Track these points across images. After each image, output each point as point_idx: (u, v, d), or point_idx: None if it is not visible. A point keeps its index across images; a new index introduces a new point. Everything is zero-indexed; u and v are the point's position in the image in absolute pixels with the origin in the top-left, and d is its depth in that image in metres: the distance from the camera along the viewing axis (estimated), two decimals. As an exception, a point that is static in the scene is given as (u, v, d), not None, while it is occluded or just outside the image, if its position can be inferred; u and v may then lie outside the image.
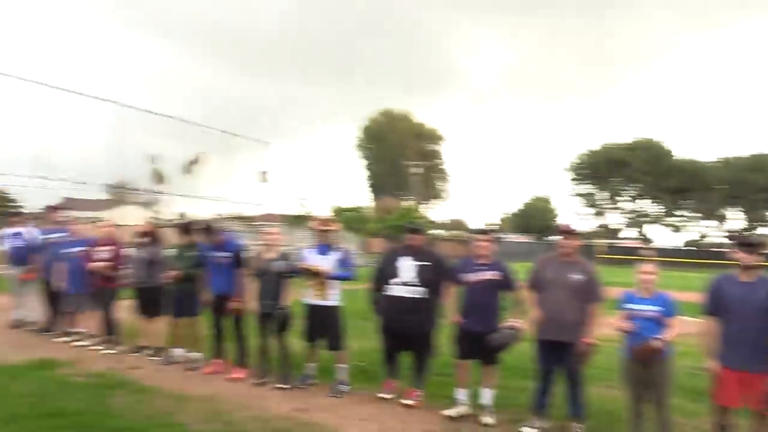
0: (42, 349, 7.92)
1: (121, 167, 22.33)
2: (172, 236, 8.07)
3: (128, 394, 6.10)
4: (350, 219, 38.91)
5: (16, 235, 9.25)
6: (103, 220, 8.61)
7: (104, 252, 8.15)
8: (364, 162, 69.72)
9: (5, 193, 45.58)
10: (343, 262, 6.73)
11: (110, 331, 8.18)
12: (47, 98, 19.85)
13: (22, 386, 6.09)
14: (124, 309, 8.50)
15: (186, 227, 7.90)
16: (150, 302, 7.78)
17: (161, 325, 7.88)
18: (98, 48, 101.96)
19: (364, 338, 7.75)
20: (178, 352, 7.61)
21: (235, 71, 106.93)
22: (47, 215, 9.51)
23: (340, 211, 40.70)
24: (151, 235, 7.94)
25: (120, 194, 27.76)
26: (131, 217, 27.13)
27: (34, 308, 9.30)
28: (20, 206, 27.85)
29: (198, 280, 7.34)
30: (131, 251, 8.10)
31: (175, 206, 28.49)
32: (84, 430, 5.00)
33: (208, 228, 7.41)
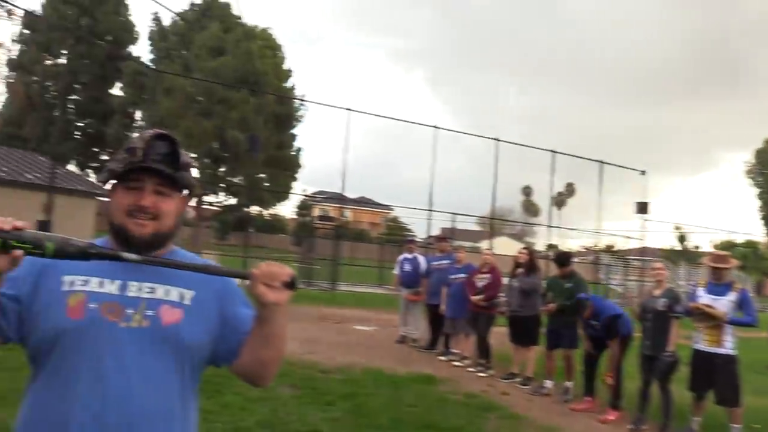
0: (423, 364, 8.58)
1: (496, 199, 23.44)
2: (548, 267, 8.02)
3: (499, 419, 6.14)
4: (743, 255, 34.02)
5: (408, 260, 10.30)
6: (487, 250, 9.00)
7: (484, 280, 8.48)
8: (757, 190, 60.70)
9: (401, 223, 52.30)
10: (742, 305, 5.74)
11: (484, 355, 8.44)
12: (433, 137, 22.05)
13: (405, 396, 6.62)
14: (499, 335, 8.72)
15: (562, 259, 7.73)
16: (523, 331, 7.82)
17: (533, 354, 7.85)
18: (480, 91, 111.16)
19: (761, 396, 6.48)
20: (549, 384, 7.45)
21: (610, 102, 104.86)
22: (436, 244, 10.35)
23: (730, 246, 35.97)
24: (527, 266, 7.96)
25: (494, 225, 29.30)
26: (504, 248, 28.29)
27: (418, 327, 10.21)
28: (413, 234, 31.42)
29: (575, 313, 7.07)
30: (508, 280, 8.27)
31: (547, 238, 28.75)
32: (457, 448, 5.14)
33: (579, 303, 7.01)
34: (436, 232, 26.56)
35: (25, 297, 1.46)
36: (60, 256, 1.30)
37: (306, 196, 47.89)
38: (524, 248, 8.35)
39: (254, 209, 47.82)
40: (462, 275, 8.89)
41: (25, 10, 37.63)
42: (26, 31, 39.94)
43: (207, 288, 1.57)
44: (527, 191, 76.80)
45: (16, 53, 39.65)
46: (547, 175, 24.94)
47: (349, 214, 56.84)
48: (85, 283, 1.47)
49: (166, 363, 1.48)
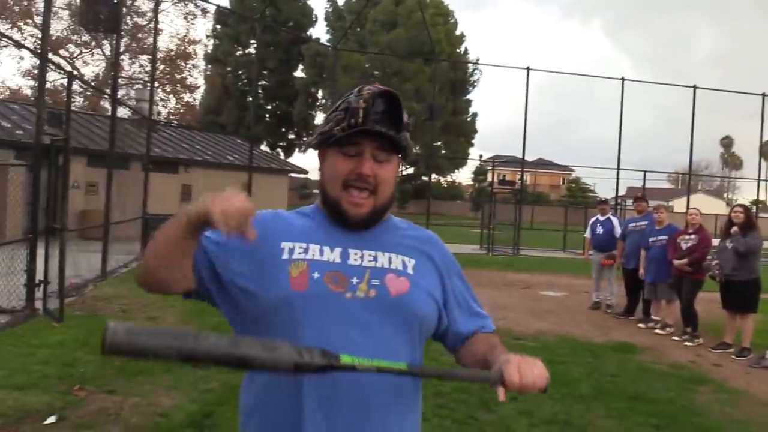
0: (620, 332, 8.15)
1: (689, 153, 21.40)
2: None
3: (712, 393, 5.65)
4: None
5: (601, 222, 9.75)
6: (694, 209, 8.21)
7: (689, 241, 7.78)
8: None
9: (584, 184, 50.05)
10: None
11: (689, 322, 7.79)
12: (620, 90, 20.57)
13: (605, 366, 6.33)
14: (704, 302, 8.02)
15: None
16: (739, 297, 7.06)
17: (750, 323, 7.09)
18: (666, 37, 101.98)
19: None
20: (772, 356, 6.70)
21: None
22: (634, 204, 9.67)
23: None
24: (743, 225, 7.13)
25: (687, 182, 26.81)
26: (701, 206, 25.92)
27: (613, 292, 9.69)
28: (596, 195, 29.89)
29: None
30: (719, 241, 7.50)
31: (752, 193, 25.73)
32: (666, 420, 4.79)
33: None
34: (622, 192, 24.93)
35: (247, 270, 1.36)
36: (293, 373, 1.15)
37: (483, 161, 47.45)
38: (739, 206, 7.48)
39: (432, 177, 48.48)
40: (663, 237, 8.24)
41: (216, 5, 41.04)
42: (218, 27, 43.64)
43: (425, 255, 1.47)
44: (727, 142, 69.49)
45: (211, 48, 43.54)
46: (750, 122, 22.28)
47: (527, 177, 55.51)
48: (305, 251, 1.37)
49: (398, 338, 1.35)
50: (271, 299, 1.33)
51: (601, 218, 9.77)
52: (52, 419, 4.14)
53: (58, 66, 12.35)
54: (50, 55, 28.21)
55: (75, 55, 30.99)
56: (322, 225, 1.44)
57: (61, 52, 30.26)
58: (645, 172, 22.57)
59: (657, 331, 8.20)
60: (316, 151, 1.48)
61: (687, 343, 7.58)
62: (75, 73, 10.09)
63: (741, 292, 7.00)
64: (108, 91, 15.58)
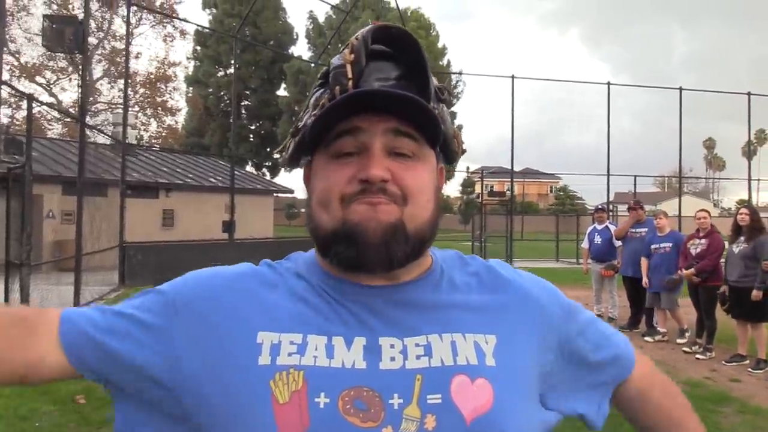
0: (627, 347, 7.69)
1: (679, 155, 21.14)
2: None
3: (736, 414, 5.18)
4: None
5: (599, 231, 9.26)
6: (702, 210, 7.74)
7: (698, 246, 7.32)
8: None
9: (571, 191, 49.85)
10: None
11: (707, 333, 7.27)
12: (606, 95, 20.31)
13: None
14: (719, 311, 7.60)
15: None
16: (750, 305, 6.60)
17: (763, 332, 6.65)
18: (642, 43, 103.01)
19: None
20: (791, 368, 6.26)
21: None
22: (631, 212, 9.05)
23: None
24: (749, 228, 6.70)
25: (674, 184, 26.44)
26: (689, 209, 25.69)
27: (615, 304, 9.23)
28: (583, 201, 29.58)
29: None
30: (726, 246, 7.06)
31: (735, 194, 25.53)
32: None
33: None
34: (611, 198, 24.56)
35: (175, 376, 0.77)
36: None
37: (470, 173, 47.25)
38: (745, 207, 7.07)
39: (420, 191, 48.09)
40: (666, 244, 7.82)
41: (196, 25, 40.64)
42: (198, 48, 43.28)
43: (514, 316, 0.84)
44: (709, 144, 69.81)
45: (192, 69, 43.13)
46: (730, 124, 22.15)
47: (515, 187, 55.41)
48: (301, 349, 0.75)
49: None
50: None
51: (599, 227, 9.31)
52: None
53: (17, 90, 11.87)
54: (26, 82, 27.70)
55: (52, 81, 30.43)
56: (325, 286, 0.81)
57: (38, 78, 29.70)
58: (635, 176, 22.27)
59: (665, 343, 7.76)
60: (302, 170, 0.90)
61: (699, 356, 7.12)
62: (35, 96, 9.60)
63: (750, 299, 6.52)
64: (76, 114, 15.08)
